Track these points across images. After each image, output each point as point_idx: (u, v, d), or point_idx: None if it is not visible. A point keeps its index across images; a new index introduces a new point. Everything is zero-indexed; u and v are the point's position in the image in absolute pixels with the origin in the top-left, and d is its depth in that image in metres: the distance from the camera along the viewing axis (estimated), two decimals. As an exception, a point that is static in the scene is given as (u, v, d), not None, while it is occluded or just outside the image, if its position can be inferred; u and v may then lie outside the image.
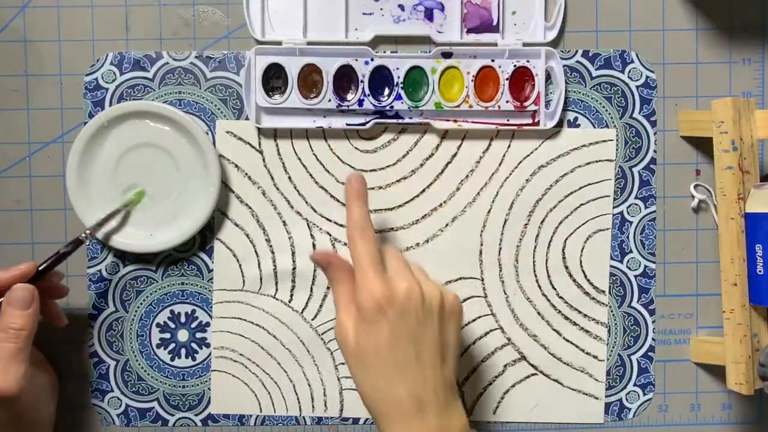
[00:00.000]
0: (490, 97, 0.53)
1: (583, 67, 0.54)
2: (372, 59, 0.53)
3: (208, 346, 0.54)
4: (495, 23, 0.54)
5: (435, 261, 0.54)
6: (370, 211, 0.54)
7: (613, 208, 0.55)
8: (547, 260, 0.55)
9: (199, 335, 0.55)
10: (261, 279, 0.54)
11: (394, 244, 0.53)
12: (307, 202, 0.54)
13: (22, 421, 0.45)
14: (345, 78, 0.53)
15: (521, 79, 0.53)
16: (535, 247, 0.55)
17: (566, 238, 0.55)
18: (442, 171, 0.54)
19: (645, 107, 0.54)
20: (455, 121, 0.54)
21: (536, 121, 0.54)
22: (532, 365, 0.55)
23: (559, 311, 0.55)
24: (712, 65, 0.55)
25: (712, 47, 0.55)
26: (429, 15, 0.54)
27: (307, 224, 0.54)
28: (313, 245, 0.54)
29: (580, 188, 0.54)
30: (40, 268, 0.47)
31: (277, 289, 0.54)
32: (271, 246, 0.54)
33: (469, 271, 0.55)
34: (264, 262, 0.54)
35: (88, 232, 0.50)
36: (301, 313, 0.54)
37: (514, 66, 0.53)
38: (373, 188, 0.54)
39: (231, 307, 0.54)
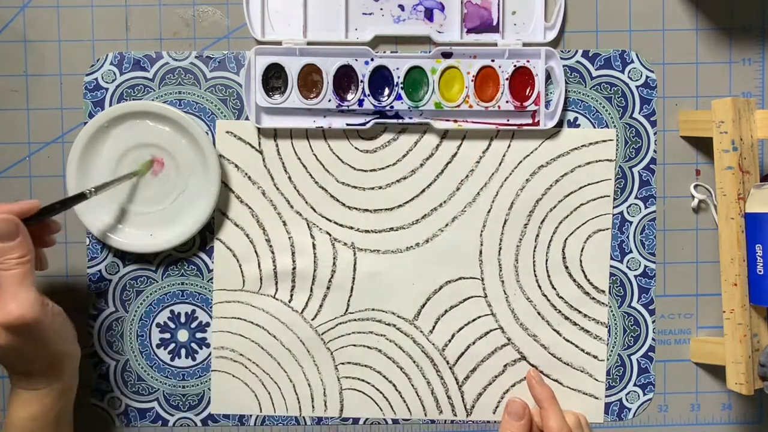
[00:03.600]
0: (490, 97, 0.53)
1: (583, 67, 0.54)
2: (372, 59, 0.53)
3: (208, 346, 0.54)
4: (495, 23, 0.54)
5: (435, 261, 0.54)
6: (370, 211, 0.54)
7: (613, 208, 0.55)
8: (547, 260, 0.55)
9: (199, 335, 0.55)
10: (261, 279, 0.54)
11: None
12: (307, 202, 0.54)
13: (51, 354, 0.45)
14: (345, 78, 0.53)
15: (521, 79, 0.53)
16: (535, 247, 0.55)
17: (566, 238, 0.55)
18: (442, 171, 0.54)
19: (645, 107, 0.54)
20: (455, 121, 0.54)
21: (536, 121, 0.54)
22: (532, 365, 0.55)
23: (559, 311, 0.55)
24: (712, 65, 0.55)
25: (712, 47, 0.55)
26: (429, 15, 0.54)
27: (307, 224, 0.54)
28: (313, 245, 0.54)
29: (580, 188, 0.54)
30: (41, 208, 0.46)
31: (277, 289, 0.54)
32: (271, 246, 0.54)
33: (469, 271, 0.55)
34: (264, 262, 0.54)
35: (93, 189, 0.49)
36: (301, 313, 0.54)
37: (514, 66, 0.53)
38: (373, 188, 0.54)
39: (231, 307, 0.54)
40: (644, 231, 0.55)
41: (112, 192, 0.52)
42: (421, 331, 0.55)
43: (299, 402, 0.55)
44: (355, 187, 0.54)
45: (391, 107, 0.53)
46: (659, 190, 0.55)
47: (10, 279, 0.42)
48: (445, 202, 0.54)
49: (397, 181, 0.54)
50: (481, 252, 0.55)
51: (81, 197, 0.48)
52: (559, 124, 0.54)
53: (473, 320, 0.55)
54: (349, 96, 0.53)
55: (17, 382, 0.46)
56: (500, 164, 0.54)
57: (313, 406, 0.55)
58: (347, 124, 0.53)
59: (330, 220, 0.54)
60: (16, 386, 0.46)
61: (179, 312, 0.54)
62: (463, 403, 0.55)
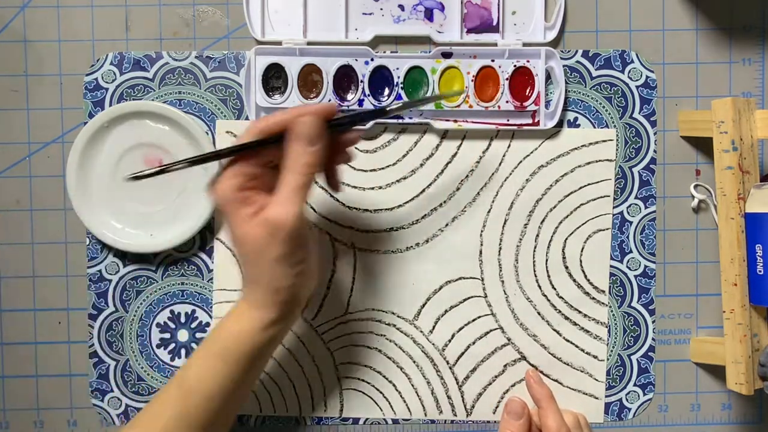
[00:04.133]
0: (490, 97, 0.53)
1: (583, 67, 0.54)
2: (372, 59, 0.53)
3: (208, 346, 0.54)
4: (495, 23, 0.54)
5: (435, 261, 0.54)
6: (370, 211, 0.54)
7: (613, 208, 0.55)
8: (547, 260, 0.55)
9: (199, 335, 0.55)
10: (261, 279, 0.54)
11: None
12: (306, 202, 0.54)
13: (295, 274, 0.42)
14: (345, 78, 0.53)
15: (521, 79, 0.53)
16: (535, 247, 0.55)
17: (566, 238, 0.55)
18: (442, 171, 0.54)
19: (645, 107, 0.54)
20: (455, 121, 0.54)
21: (536, 121, 0.54)
22: (532, 365, 0.55)
23: (559, 311, 0.55)
24: (712, 65, 0.55)
25: (712, 47, 0.55)
26: (429, 15, 0.54)
27: (307, 224, 0.54)
28: (313, 245, 0.54)
29: (580, 188, 0.54)
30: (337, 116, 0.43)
31: (277, 289, 0.54)
32: (271, 246, 0.54)
33: (469, 271, 0.55)
34: (264, 262, 0.54)
35: (392, 106, 0.44)
36: (301, 313, 0.54)
37: (514, 66, 0.53)
38: (373, 188, 0.54)
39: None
40: (644, 231, 0.55)
41: (112, 192, 0.52)
42: (421, 331, 0.55)
43: (299, 402, 0.55)
44: (355, 187, 0.54)
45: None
46: (659, 190, 0.55)
47: (291, 182, 0.41)
48: (445, 202, 0.54)
49: (397, 181, 0.54)
50: (481, 252, 0.55)
51: (381, 112, 0.45)
52: (559, 124, 0.54)
53: (473, 320, 0.55)
54: (349, 96, 0.53)
55: (249, 294, 0.43)
56: (500, 164, 0.54)
57: (313, 406, 0.55)
58: (347, 124, 0.53)
59: (330, 220, 0.54)
60: (243, 300, 0.43)
61: (179, 312, 0.54)
62: (463, 403, 0.55)
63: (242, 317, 0.43)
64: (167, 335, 0.55)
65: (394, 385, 0.55)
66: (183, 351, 0.55)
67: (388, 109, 0.45)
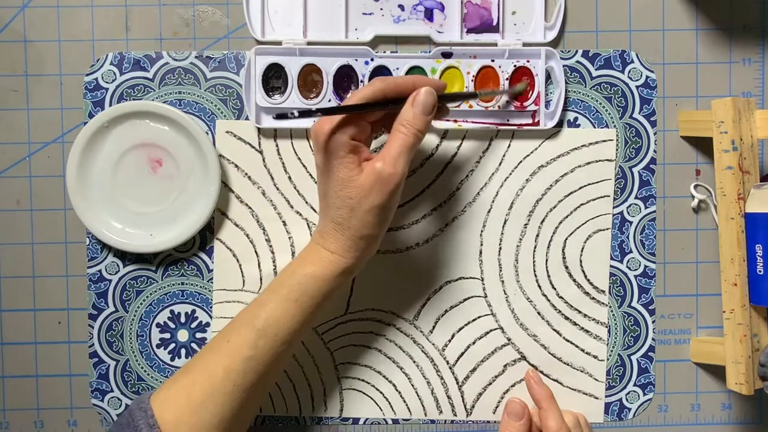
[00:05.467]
0: (490, 97, 0.53)
1: (583, 67, 0.54)
2: (372, 59, 0.53)
3: (208, 346, 0.54)
4: (495, 23, 0.54)
5: (435, 261, 0.54)
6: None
7: (613, 208, 0.55)
8: (547, 260, 0.55)
9: (199, 335, 0.55)
10: (261, 279, 0.54)
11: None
12: (307, 202, 0.54)
13: (388, 219, 0.46)
14: (345, 78, 0.53)
15: (521, 79, 0.53)
16: (535, 247, 0.55)
17: (566, 238, 0.55)
18: (442, 171, 0.54)
19: (645, 107, 0.54)
20: (455, 121, 0.54)
21: (536, 121, 0.54)
22: (532, 365, 0.55)
23: (559, 311, 0.55)
24: (712, 65, 0.55)
25: (712, 47, 0.55)
26: (429, 15, 0.54)
27: (307, 224, 0.54)
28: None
29: (580, 188, 0.54)
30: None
31: (277, 289, 0.54)
32: (271, 246, 0.54)
33: (469, 271, 0.55)
34: (264, 262, 0.54)
35: (480, 92, 0.52)
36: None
37: (514, 66, 0.53)
38: (373, 188, 0.54)
39: (231, 307, 0.54)
40: (644, 231, 0.55)
41: (112, 192, 0.52)
42: (421, 331, 0.55)
43: (299, 402, 0.55)
44: (355, 187, 0.54)
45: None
46: (659, 190, 0.55)
47: (403, 142, 0.44)
48: (445, 202, 0.54)
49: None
50: (481, 252, 0.55)
51: (473, 95, 0.51)
52: (559, 124, 0.54)
53: (473, 320, 0.55)
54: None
55: (330, 240, 0.46)
56: (500, 164, 0.54)
57: (313, 406, 0.55)
58: (347, 124, 0.53)
59: (330, 220, 0.54)
60: (322, 246, 0.46)
61: (179, 312, 0.54)
62: (463, 403, 0.55)
63: (323, 263, 0.46)
64: (167, 335, 0.55)
65: (394, 385, 0.55)
66: (183, 351, 0.55)
67: (479, 93, 0.51)
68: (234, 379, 0.44)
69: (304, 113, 0.42)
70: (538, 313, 0.55)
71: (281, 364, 0.47)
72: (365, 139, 0.46)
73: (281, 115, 0.41)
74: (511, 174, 0.54)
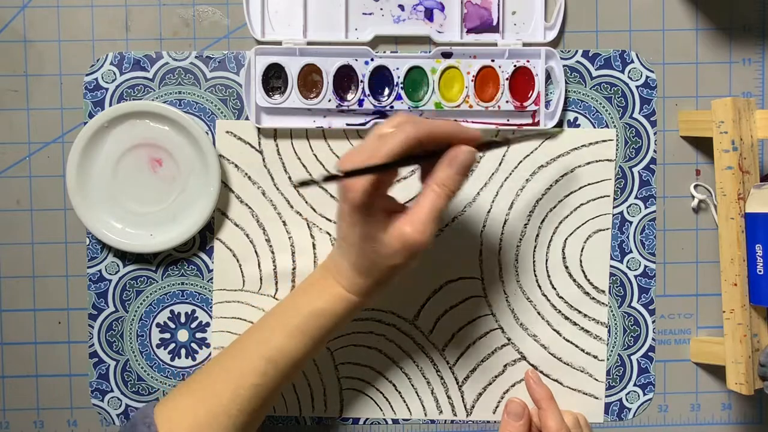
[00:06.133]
0: (490, 97, 0.53)
1: (583, 67, 0.54)
2: (372, 59, 0.53)
3: (208, 346, 0.54)
4: (495, 23, 0.54)
5: (435, 261, 0.54)
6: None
7: (613, 208, 0.55)
8: (547, 260, 0.55)
9: (199, 335, 0.55)
10: (261, 279, 0.54)
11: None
12: (307, 202, 0.54)
13: (409, 269, 0.44)
14: (345, 78, 0.53)
15: (521, 79, 0.53)
16: (535, 247, 0.55)
17: (566, 238, 0.55)
18: (442, 171, 0.54)
19: (645, 107, 0.54)
20: (455, 121, 0.54)
21: (536, 121, 0.54)
22: (532, 365, 0.55)
23: (559, 311, 0.55)
24: (712, 65, 0.55)
25: (712, 47, 0.55)
26: (429, 15, 0.54)
27: (307, 224, 0.54)
28: (313, 245, 0.54)
29: (580, 188, 0.54)
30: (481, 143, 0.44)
31: (277, 289, 0.54)
32: (271, 246, 0.54)
33: (469, 271, 0.55)
34: (264, 262, 0.54)
35: (514, 131, 0.50)
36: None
37: (514, 66, 0.53)
38: (373, 188, 0.54)
39: (231, 307, 0.54)
40: (644, 231, 0.55)
41: (112, 192, 0.52)
42: (421, 331, 0.55)
43: (299, 402, 0.55)
44: (355, 187, 0.54)
45: (391, 107, 0.53)
46: (659, 190, 0.55)
47: (435, 204, 0.42)
48: (445, 202, 0.54)
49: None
50: (481, 252, 0.55)
51: (505, 143, 0.47)
52: (559, 124, 0.54)
53: (473, 320, 0.55)
54: (349, 96, 0.53)
55: (351, 281, 0.44)
56: (500, 164, 0.54)
57: (313, 406, 0.55)
58: (347, 124, 0.53)
59: (330, 220, 0.54)
60: (338, 283, 0.45)
61: (179, 312, 0.54)
62: (463, 403, 0.55)
63: (340, 301, 0.45)
64: (167, 335, 0.55)
65: (394, 385, 0.55)
66: (183, 351, 0.55)
67: (510, 138, 0.47)
68: (240, 404, 0.44)
69: (329, 178, 0.38)
70: (538, 313, 0.55)
71: (282, 389, 0.47)
72: (392, 182, 0.44)
73: (304, 183, 0.38)
74: (511, 174, 0.54)
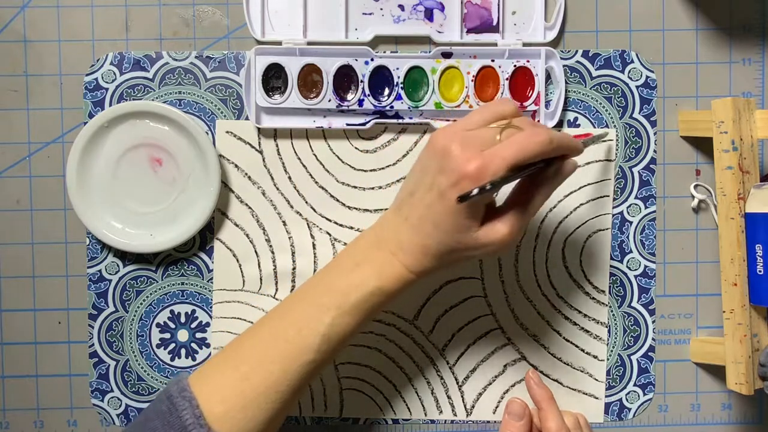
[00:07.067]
0: (490, 97, 0.53)
1: (583, 67, 0.54)
2: (372, 59, 0.53)
3: (208, 346, 0.54)
4: (495, 23, 0.54)
5: (435, 261, 0.54)
6: (371, 211, 0.54)
7: (613, 208, 0.55)
8: (547, 260, 0.55)
9: (199, 335, 0.55)
10: (261, 279, 0.54)
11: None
12: (307, 202, 0.54)
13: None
14: (345, 78, 0.53)
15: (521, 79, 0.53)
16: (535, 247, 0.55)
17: (566, 238, 0.55)
18: (442, 171, 0.54)
19: (645, 107, 0.54)
20: (455, 121, 0.54)
21: (536, 121, 0.54)
22: (532, 365, 0.55)
23: (559, 311, 0.55)
24: (712, 65, 0.55)
25: (712, 47, 0.55)
26: (429, 15, 0.54)
27: (307, 224, 0.54)
28: (313, 245, 0.54)
29: (580, 188, 0.54)
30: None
31: (277, 289, 0.54)
32: (271, 246, 0.54)
33: (469, 271, 0.55)
34: (264, 262, 0.54)
35: (595, 136, 0.50)
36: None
37: (514, 66, 0.53)
38: (373, 188, 0.54)
39: (231, 307, 0.54)
40: (644, 231, 0.55)
41: (112, 192, 0.53)
42: (421, 331, 0.55)
43: (299, 402, 0.55)
44: (355, 187, 0.54)
45: (391, 107, 0.53)
46: (659, 190, 0.55)
47: (534, 210, 0.43)
48: (445, 202, 0.54)
49: (397, 181, 0.54)
50: (481, 252, 0.55)
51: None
52: (559, 124, 0.54)
53: (473, 320, 0.55)
54: (349, 96, 0.53)
55: (416, 263, 0.43)
56: (500, 164, 0.54)
57: (313, 406, 0.55)
58: (347, 124, 0.53)
59: (330, 220, 0.54)
60: (402, 264, 0.44)
61: (179, 312, 0.54)
62: (463, 403, 0.55)
63: (401, 281, 0.44)
64: (167, 335, 0.55)
65: (394, 385, 0.55)
66: (183, 351, 0.55)
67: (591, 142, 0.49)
68: (290, 381, 0.43)
69: (484, 190, 0.38)
70: (538, 313, 0.55)
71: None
72: None
73: (464, 197, 0.38)
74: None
